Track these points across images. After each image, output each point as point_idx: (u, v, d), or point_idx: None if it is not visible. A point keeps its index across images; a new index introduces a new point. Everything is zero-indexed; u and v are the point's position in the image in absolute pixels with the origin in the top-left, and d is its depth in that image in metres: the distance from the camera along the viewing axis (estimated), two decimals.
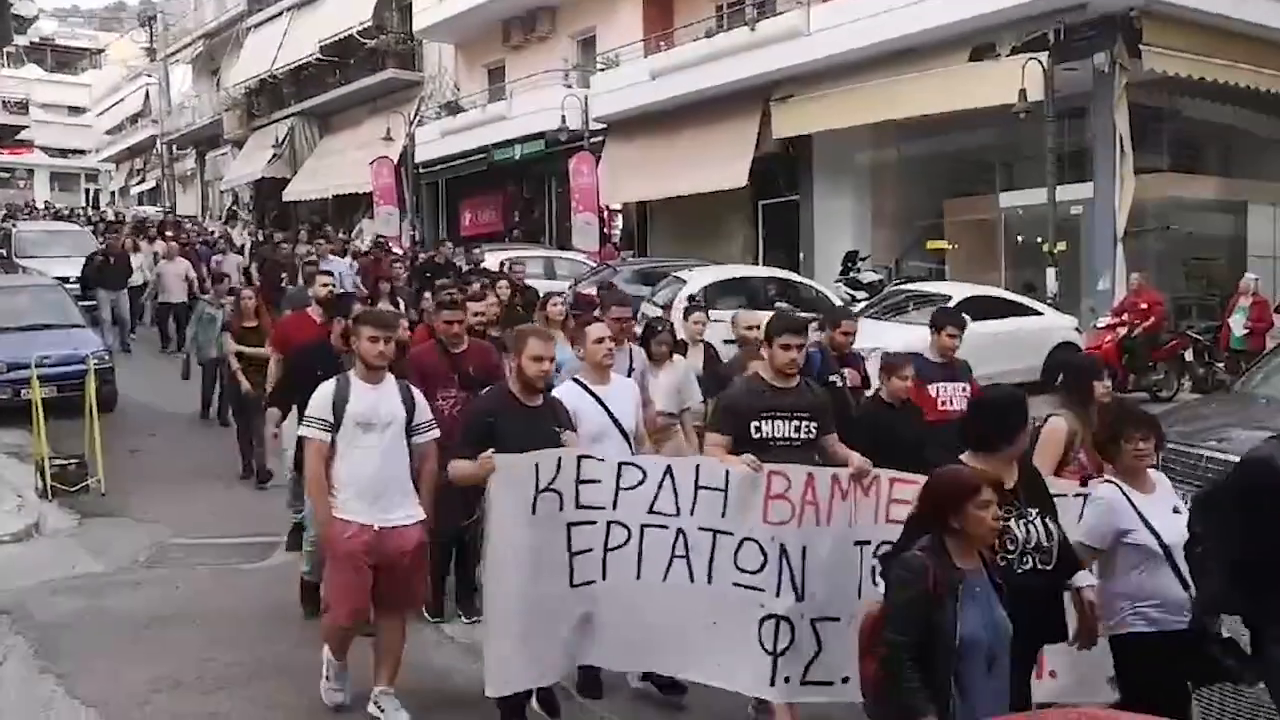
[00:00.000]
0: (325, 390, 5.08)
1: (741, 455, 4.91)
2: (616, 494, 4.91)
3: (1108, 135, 15.88)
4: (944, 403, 6.30)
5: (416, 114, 30.30)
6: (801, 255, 20.34)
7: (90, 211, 42.79)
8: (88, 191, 61.81)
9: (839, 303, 16.28)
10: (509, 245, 22.34)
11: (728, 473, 4.89)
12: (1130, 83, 15.81)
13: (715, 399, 5.53)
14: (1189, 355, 14.26)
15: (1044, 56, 15.37)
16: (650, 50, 22.33)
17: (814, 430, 5.15)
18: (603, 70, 23.67)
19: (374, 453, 5.01)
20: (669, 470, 4.97)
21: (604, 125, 23.30)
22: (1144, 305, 14.01)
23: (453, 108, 28.53)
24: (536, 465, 4.77)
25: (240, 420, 10.23)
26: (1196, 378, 14.07)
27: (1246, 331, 14.02)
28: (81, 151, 61.94)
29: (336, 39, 31.55)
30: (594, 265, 19.69)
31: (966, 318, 7.09)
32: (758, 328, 6.84)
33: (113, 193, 59.93)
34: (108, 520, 8.95)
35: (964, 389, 6.51)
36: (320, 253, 17.19)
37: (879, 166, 20.97)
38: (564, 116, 23.06)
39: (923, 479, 4.96)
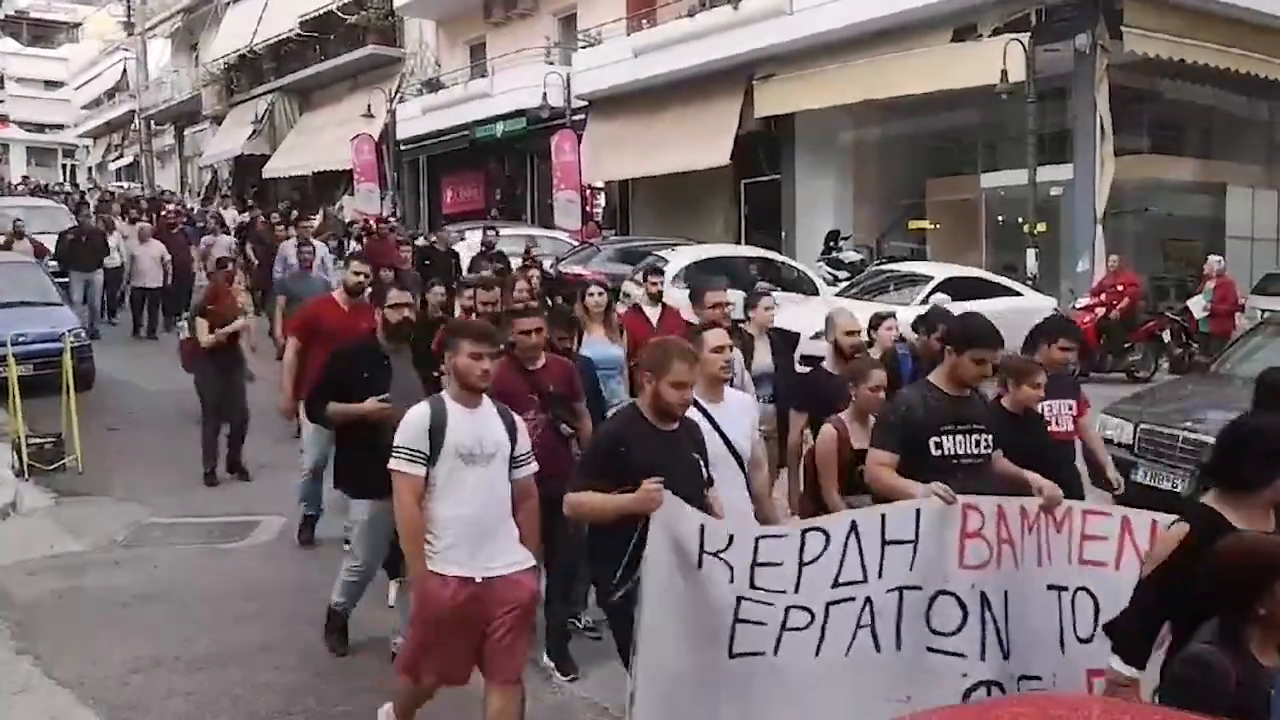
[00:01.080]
0: (419, 416, 4.27)
1: (929, 484, 4.27)
2: (799, 573, 4.15)
3: (1088, 116, 15.96)
4: (1050, 422, 5.68)
5: (398, 90, 30.12)
6: (784, 234, 20.36)
7: (69, 187, 42.28)
8: (64, 167, 61.22)
9: (820, 283, 16.32)
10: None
11: (918, 515, 4.19)
12: (1111, 64, 15.88)
13: (886, 413, 4.71)
14: (1166, 336, 14.34)
15: (1025, 38, 15.40)
16: (632, 28, 22.26)
17: (990, 445, 4.58)
18: (585, 48, 23.58)
19: (479, 489, 4.28)
20: (854, 528, 4.22)
21: (586, 103, 23.23)
22: (1120, 286, 14.09)
23: (434, 84, 28.40)
24: (702, 528, 4.08)
25: (213, 414, 9.37)
26: (1174, 358, 14.16)
27: (1206, 314, 14.12)
28: (58, 126, 61.30)
29: (317, 14, 31.29)
30: (575, 243, 19.65)
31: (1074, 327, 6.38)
32: (858, 333, 6.34)
33: (90, 168, 59.39)
34: (85, 499, 8.90)
35: (1071, 406, 5.87)
36: (301, 235, 15.28)
37: (861, 146, 20.99)
38: (546, 94, 22.99)
39: (1119, 510, 4.41)
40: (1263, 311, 14.51)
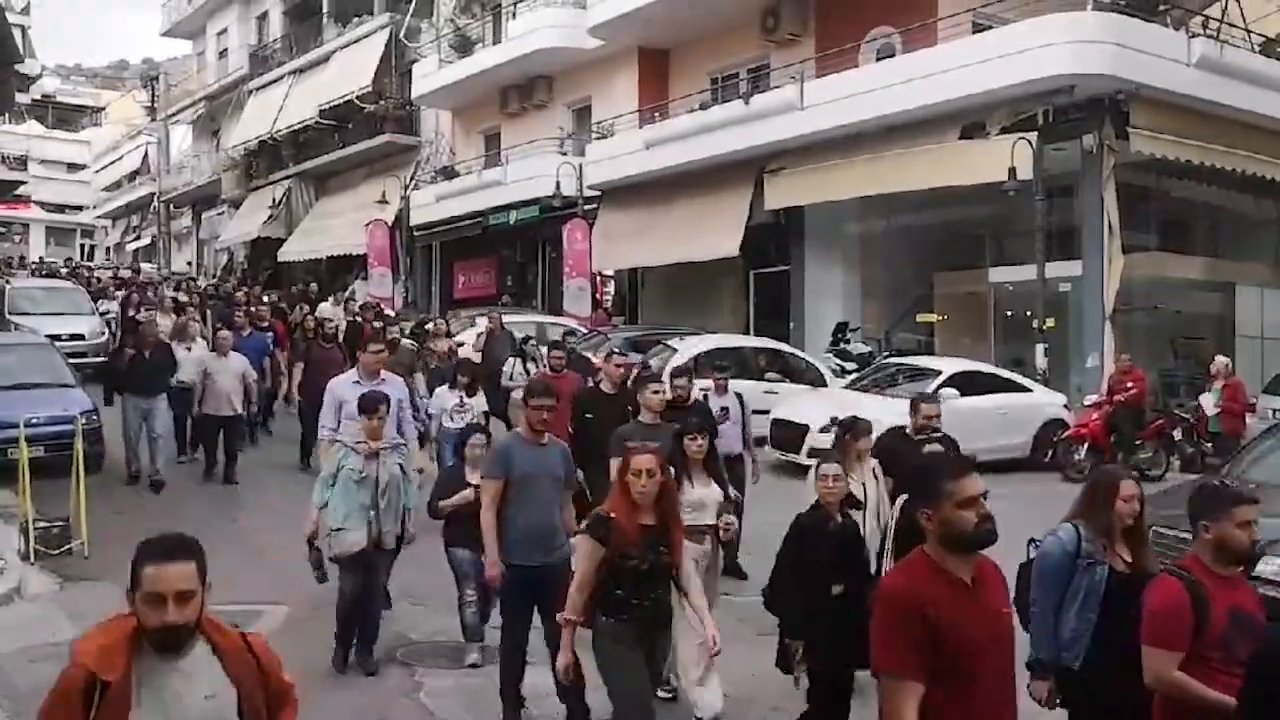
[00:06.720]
0: None
1: None
2: None
3: (1096, 214, 16.08)
4: None
5: (412, 178, 30.60)
6: (792, 325, 20.45)
7: (113, 269, 42.16)
8: (82, 247, 62.08)
9: (828, 374, 16.35)
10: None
11: None
12: (1118, 163, 16.04)
13: None
14: (1177, 434, 14.26)
15: (1033, 136, 15.60)
16: (645, 120, 22.62)
17: None
18: (598, 139, 23.96)
19: None
20: None
21: (598, 193, 23.53)
22: (1130, 384, 14.06)
23: (449, 172, 28.83)
24: None
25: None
26: (1185, 457, 14.07)
27: (1218, 412, 14.06)
28: (78, 207, 62.31)
29: (337, 104, 31.93)
30: (585, 331, 19.75)
31: None
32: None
33: (108, 248, 60.22)
34: (90, 584, 8.80)
35: None
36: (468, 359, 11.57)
37: (870, 238, 21.16)
38: (559, 183, 23.27)
39: None
40: (1274, 412, 14.47)
